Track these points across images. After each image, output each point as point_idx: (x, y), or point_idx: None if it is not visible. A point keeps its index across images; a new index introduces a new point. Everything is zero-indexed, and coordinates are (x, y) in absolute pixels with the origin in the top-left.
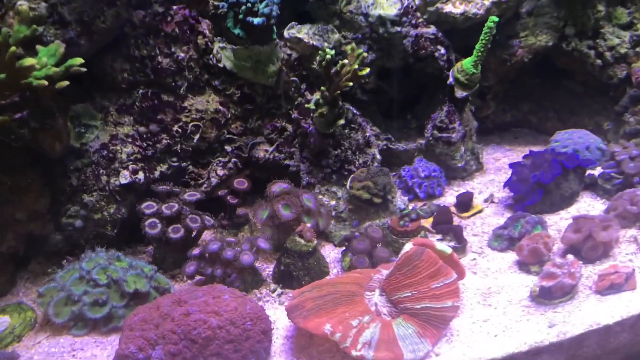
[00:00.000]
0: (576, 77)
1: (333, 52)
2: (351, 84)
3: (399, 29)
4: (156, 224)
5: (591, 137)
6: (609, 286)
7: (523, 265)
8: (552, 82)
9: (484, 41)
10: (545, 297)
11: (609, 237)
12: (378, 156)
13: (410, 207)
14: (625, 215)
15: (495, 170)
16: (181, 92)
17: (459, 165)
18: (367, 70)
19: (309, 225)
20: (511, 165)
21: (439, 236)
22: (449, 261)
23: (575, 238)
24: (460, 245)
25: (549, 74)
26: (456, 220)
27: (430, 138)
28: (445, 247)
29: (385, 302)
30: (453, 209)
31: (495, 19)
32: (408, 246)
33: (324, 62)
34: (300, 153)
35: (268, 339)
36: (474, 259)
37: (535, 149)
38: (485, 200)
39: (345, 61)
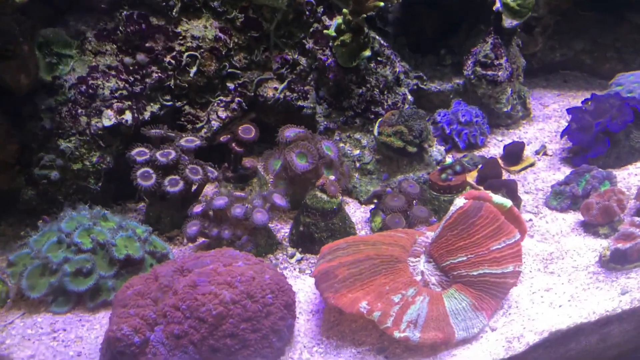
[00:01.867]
0: None
1: None
2: (382, 3)
3: None
4: (150, 175)
5: None
6: None
7: (590, 227)
8: (614, 16)
9: None
10: (618, 261)
11: None
12: (409, 97)
13: (449, 159)
14: None
15: (544, 118)
16: (173, 14)
17: (505, 110)
18: None
19: (331, 178)
20: (569, 111)
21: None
22: (510, 217)
23: None
24: (515, 203)
25: (609, 6)
26: (504, 175)
27: (472, 76)
28: (504, 199)
29: (433, 270)
30: (500, 162)
31: None
32: (460, 201)
33: None
34: (316, 92)
35: (292, 314)
36: (530, 219)
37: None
38: (537, 152)
39: None
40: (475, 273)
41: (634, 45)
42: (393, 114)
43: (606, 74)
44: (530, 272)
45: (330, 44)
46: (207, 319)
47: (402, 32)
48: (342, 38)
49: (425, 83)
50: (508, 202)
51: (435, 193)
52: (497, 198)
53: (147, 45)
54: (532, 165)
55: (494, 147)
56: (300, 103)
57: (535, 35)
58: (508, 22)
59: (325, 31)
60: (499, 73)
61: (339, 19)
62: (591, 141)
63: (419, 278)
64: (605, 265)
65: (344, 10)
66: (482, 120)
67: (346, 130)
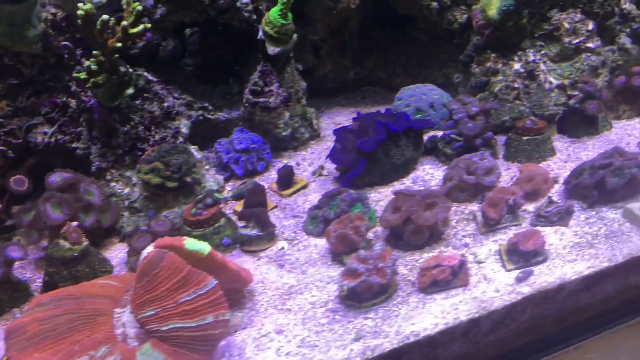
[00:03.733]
0: (419, 24)
1: (90, 6)
2: (120, 44)
3: None
4: None
5: (437, 92)
6: (432, 283)
7: (337, 255)
8: (398, 32)
9: None
10: (354, 299)
11: (433, 219)
12: (184, 130)
13: (228, 187)
14: (463, 186)
15: (334, 137)
16: None
17: (285, 134)
18: (141, 27)
19: (88, 222)
20: (335, 132)
21: (244, 223)
22: (209, 263)
23: (394, 220)
24: (265, 232)
25: (395, 23)
26: (274, 200)
27: (247, 104)
28: (201, 245)
29: (134, 323)
30: (275, 186)
31: None
32: (146, 250)
33: (81, 20)
34: (89, 133)
35: None
36: (282, 247)
37: (384, 108)
38: (313, 173)
39: (105, 17)
40: (165, 328)
41: (417, 59)
42: (153, 150)
43: (398, 87)
44: (266, 310)
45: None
46: None
47: (200, 63)
48: (95, 79)
49: (211, 113)
50: (205, 248)
51: (188, 228)
52: (192, 244)
53: None
54: (304, 187)
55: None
56: (73, 145)
57: (323, 57)
58: (271, 49)
59: (75, 74)
60: (270, 99)
61: (88, 61)
62: (353, 161)
63: (119, 331)
64: (345, 302)
65: (94, 52)
66: (261, 146)
67: (118, 168)
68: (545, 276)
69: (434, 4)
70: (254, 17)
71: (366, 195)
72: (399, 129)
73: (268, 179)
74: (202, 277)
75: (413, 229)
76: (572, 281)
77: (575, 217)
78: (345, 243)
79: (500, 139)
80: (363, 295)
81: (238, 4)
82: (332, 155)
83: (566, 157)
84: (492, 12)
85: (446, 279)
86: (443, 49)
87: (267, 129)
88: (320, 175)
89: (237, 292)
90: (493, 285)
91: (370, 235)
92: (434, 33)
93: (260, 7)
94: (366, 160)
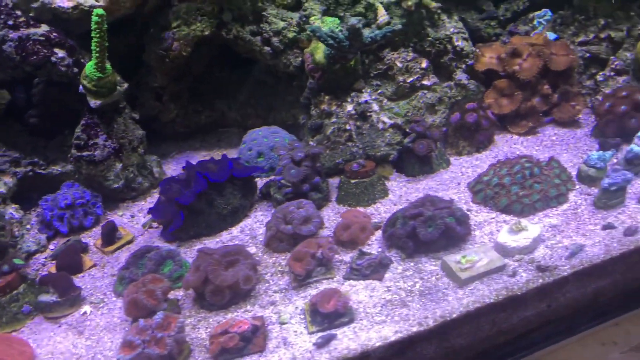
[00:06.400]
0: (262, 66)
1: None
2: None
3: None
4: None
5: (279, 135)
6: (221, 351)
7: (135, 320)
8: (245, 74)
9: (96, 39)
10: None
11: (233, 278)
12: (1, 190)
13: (52, 246)
14: (281, 236)
15: None
16: None
17: (116, 185)
18: None
19: None
20: (161, 183)
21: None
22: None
23: (192, 281)
24: (65, 297)
25: (243, 65)
26: (95, 259)
27: (71, 159)
28: None
29: None
30: (99, 242)
31: (100, 11)
32: None
33: None
34: None
35: None
36: (85, 312)
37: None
38: (144, 226)
39: None
40: None
41: (266, 101)
42: None
43: (251, 129)
44: None
45: None
46: None
47: (42, 115)
48: None
49: (43, 167)
50: None
51: None
52: None
53: None
54: (130, 242)
55: None
56: None
57: (166, 102)
58: (92, 102)
59: None
60: (96, 152)
61: None
62: (172, 214)
63: None
64: None
65: None
66: (89, 200)
67: None
68: (349, 341)
69: (266, 48)
70: (75, 70)
71: (178, 252)
72: (221, 178)
73: (97, 234)
74: None
75: (212, 289)
76: (377, 348)
77: (393, 269)
78: (140, 309)
79: (336, 182)
80: None
81: (53, 58)
82: (154, 209)
83: (397, 198)
84: (319, 56)
85: (237, 346)
86: (289, 90)
87: (98, 182)
88: (151, 227)
89: None
90: (291, 351)
91: (180, 294)
92: (277, 75)
93: (83, 60)
94: (187, 212)
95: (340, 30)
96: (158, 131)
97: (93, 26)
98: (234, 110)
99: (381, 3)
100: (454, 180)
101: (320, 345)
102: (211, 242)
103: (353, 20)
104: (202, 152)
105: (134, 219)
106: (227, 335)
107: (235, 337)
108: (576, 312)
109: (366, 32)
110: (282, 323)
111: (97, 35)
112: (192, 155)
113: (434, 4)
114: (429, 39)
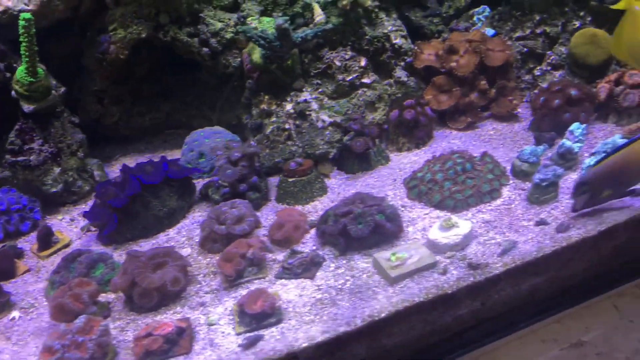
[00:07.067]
0: (203, 68)
1: None
2: None
3: None
4: None
5: (221, 135)
6: (146, 354)
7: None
8: (191, 75)
9: (25, 43)
10: None
11: (160, 280)
12: None
13: None
14: (215, 237)
15: None
16: None
17: (54, 190)
18: None
19: None
20: (97, 187)
21: None
22: None
23: (120, 284)
24: None
25: (186, 68)
26: (30, 263)
27: (6, 164)
28: None
29: None
30: (35, 247)
31: (27, 15)
32: None
33: None
34: None
35: None
36: (13, 317)
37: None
38: (82, 229)
39: None
40: None
41: (209, 102)
42: None
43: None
44: None
45: None
46: None
47: None
48: None
49: None
50: None
51: None
52: None
53: None
54: (66, 246)
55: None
56: None
57: (108, 105)
58: (26, 107)
59: None
60: (31, 157)
61: None
62: (106, 217)
63: None
64: None
65: None
66: (26, 205)
67: None
68: (275, 342)
69: (205, 49)
70: (7, 75)
71: (110, 255)
72: (155, 180)
73: (34, 239)
74: None
75: (140, 292)
76: (303, 349)
77: (325, 267)
78: (65, 312)
79: (276, 181)
80: None
81: None
82: (89, 212)
83: (335, 196)
84: (256, 56)
85: (161, 348)
86: (232, 91)
87: (36, 187)
88: (89, 230)
89: None
90: (217, 353)
91: (112, 297)
92: (218, 76)
93: (15, 65)
94: (122, 215)
95: (273, 33)
96: (102, 134)
97: (21, 30)
98: (179, 112)
99: (317, 3)
100: (391, 176)
101: (246, 346)
102: (148, 244)
103: (279, 21)
104: (147, 154)
105: (74, 223)
106: (150, 337)
107: (159, 340)
108: (513, 310)
109: (298, 32)
110: (210, 324)
111: (26, 40)
112: (137, 158)
113: (369, 3)
114: (367, 37)
